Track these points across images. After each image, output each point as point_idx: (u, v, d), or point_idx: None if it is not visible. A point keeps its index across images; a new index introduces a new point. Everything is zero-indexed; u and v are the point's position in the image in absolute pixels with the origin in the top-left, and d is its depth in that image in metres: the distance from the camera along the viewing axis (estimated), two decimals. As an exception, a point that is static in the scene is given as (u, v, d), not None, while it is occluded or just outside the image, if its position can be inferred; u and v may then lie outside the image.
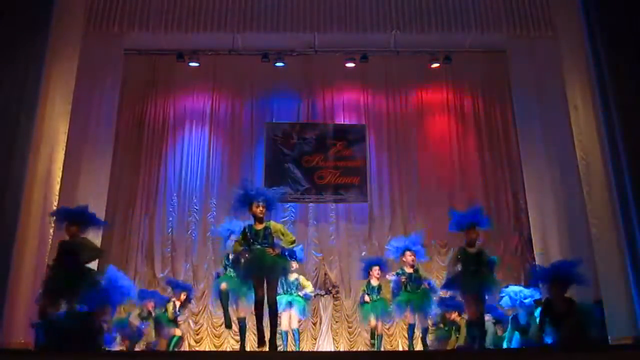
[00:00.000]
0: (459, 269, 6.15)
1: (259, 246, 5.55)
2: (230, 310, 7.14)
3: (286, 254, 5.86)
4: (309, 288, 7.92)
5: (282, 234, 5.69)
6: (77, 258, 5.83)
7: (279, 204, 6.16)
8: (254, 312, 5.74)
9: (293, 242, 5.78)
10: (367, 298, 7.75)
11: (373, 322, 7.76)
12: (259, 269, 5.51)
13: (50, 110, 7.30)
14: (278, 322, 6.35)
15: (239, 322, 7.07)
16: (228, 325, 7.38)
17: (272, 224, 5.74)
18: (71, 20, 7.84)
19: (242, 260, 5.68)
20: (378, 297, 7.73)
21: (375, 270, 7.78)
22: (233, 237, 6.76)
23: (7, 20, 6.79)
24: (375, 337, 7.81)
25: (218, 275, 7.28)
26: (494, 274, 6.29)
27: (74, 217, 6.10)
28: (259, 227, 5.65)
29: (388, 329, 9.08)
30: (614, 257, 6.79)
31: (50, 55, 7.09)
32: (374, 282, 7.78)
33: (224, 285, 6.86)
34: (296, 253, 7.26)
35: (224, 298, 6.92)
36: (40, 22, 6.93)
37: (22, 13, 6.86)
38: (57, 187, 7.54)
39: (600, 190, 7.09)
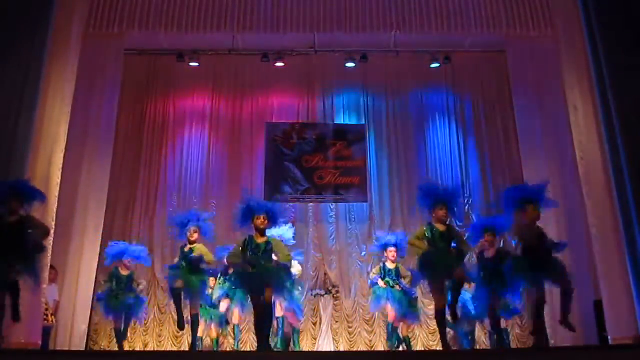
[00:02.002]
0: (426, 248, 5.56)
1: (261, 261, 5.54)
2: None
3: (284, 267, 5.74)
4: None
5: (280, 251, 5.71)
6: (22, 235, 5.36)
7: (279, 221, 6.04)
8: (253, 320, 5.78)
9: (288, 257, 5.79)
10: (381, 283, 7.28)
11: (391, 312, 7.24)
12: (263, 285, 5.51)
13: (50, 111, 7.31)
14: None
15: (191, 318, 6.59)
16: (181, 327, 6.79)
17: (274, 239, 5.78)
18: (71, 20, 7.84)
19: (243, 273, 5.59)
20: (395, 281, 7.26)
21: (392, 252, 7.38)
22: (191, 226, 6.58)
23: (7, 20, 6.79)
24: (393, 332, 7.38)
25: (171, 269, 6.69)
26: (464, 256, 5.70)
27: (16, 191, 5.51)
28: (261, 240, 5.64)
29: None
30: (614, 257, 6.81)
31: (50, 55, 7.10)
32: (390, 265, 7.38)
33: (179, 283, 6.43)
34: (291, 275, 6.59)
35: (176, 297, 6.50)
36: (40, 22, 6.94)
37: (22, 13, 6.86)
38: (57, 188, 7.54)
39: (600, 190, 7.11)
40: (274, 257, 5.74)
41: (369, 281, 7.74)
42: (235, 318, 7.56)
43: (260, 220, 5.62)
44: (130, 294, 7.13)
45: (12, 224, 5.37)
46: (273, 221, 5.75)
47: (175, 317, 6.89)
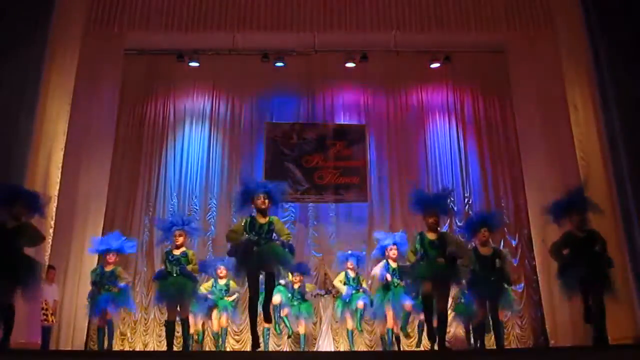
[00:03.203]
0: (419, 257, 5.59)
1: (263, 241, 5.44)
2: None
3: (286, 248, 5.57)
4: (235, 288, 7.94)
5: (281, 230, 5.62)
6: (17, 242, 5.33)
7: (280, 200, 5.92)
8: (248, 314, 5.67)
9: (289, 237, 5.65)
10: (388, 276, 7.16)
11: (390, 317, 7.21)
12: (265, 264, 5.42)
13: (49, 111, 7.32)
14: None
15: (181, 322, 6.47)
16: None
17: (276, 219, 5.67)
18: (71, 20, 7.84)
19: (246, 252, 5.43)
20: (398, 281, 7.15)
21: (392, 250, 7.33)
22: (175, 229, 6.44)
23: (7, 20, 6.80)
24: (388, 336, 7.39)
25: (160, 275, 6.41)
26: (455, 263, 5.62)
27: (26, 200, 5.49)
28: (263, 220, 5.54)
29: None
30: (614, 257, 6.79)
31: (50, 55, 7.10)
32: (393, 264, 7.29)
33: (170, 316, 6.35)
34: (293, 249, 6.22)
35: (168, 329, 6.39)
36: (40, 22, 6.94)
37: (22, 13, 6.86)
38: (57, 187, 7.55)
39: (600, 190, 7.10)
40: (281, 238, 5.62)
41: (379, 276, 7.48)
42: (223, 323, 7.94)
43: (261, 200, 5.53)
44: (112, 288, 7.06)
45: (11, 230, 5.33)
46: (274, 200, 5.66)
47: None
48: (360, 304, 7.82)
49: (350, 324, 7.97)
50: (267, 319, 5.75)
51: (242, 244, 5.47)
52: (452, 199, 9.73)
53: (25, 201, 5.47)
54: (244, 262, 5.47)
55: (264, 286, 5.58)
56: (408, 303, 7.21)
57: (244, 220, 5.62)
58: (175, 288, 6.17)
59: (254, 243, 5.43)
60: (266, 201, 5.56)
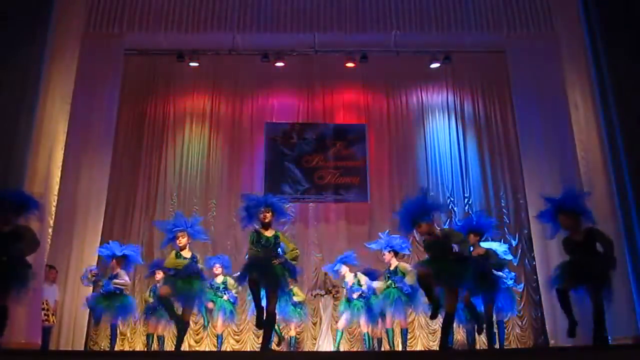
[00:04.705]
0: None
1: (267, 255, 5.44)
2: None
3: (288, 267, 5.55)
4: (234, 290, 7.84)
5: (286, 245, 5.62)
6: (16, 247, 5.21)
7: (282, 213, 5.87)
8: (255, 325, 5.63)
9: (295, 257, 5.61)
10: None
11: (389, 318, 7.17)
12: (262, 279, 5.40)
13: (49, 111, 7.32)
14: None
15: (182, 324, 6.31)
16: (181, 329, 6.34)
17: (281, 233, 5.70)
18: (71, 20, 7.86)
19: (248, 264, 5.49)
20: (394, 281, 7.12)
21: (384, 256, 7.31)
22: (177, 230, 6.26)
23: (7, 20, 6.80)
24: (371, 341, 7.44)
25: (176, 273, 6.16)
26: (463, 262, 5.33)
27: (16, 203, 5.35)
28: (268, 234, 5.57)
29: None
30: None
31: (50, 55, 7.11)
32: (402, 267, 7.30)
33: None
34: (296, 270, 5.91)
35: (167, 304, 6.18)
36: (40, 22, 6.94)
37: (22, 13, 6.86)
38: (57, 187, 7.56)
39: (600, 189, 7.10)
40: (285, 255, 5.61)
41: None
42: (218, 328, 7.81)
43: (263, 214, 5.58)
44: (119, 295, 7.11)
45: (5, 234, 5.22)
46: (277, 213, 5.68)
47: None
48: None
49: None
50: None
51: (254, 256, 5.48)
52: (451, 199, 9.80)
53: (12, 204, 5.34)
54: (244, 274, 5.49)
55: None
56: (387, 318, 7.19)
57: (250, 237, 5.62)
58: (193, 287, 6.08)
59: (260, 259, 5.43)
60: (268, 215, 5.58)
